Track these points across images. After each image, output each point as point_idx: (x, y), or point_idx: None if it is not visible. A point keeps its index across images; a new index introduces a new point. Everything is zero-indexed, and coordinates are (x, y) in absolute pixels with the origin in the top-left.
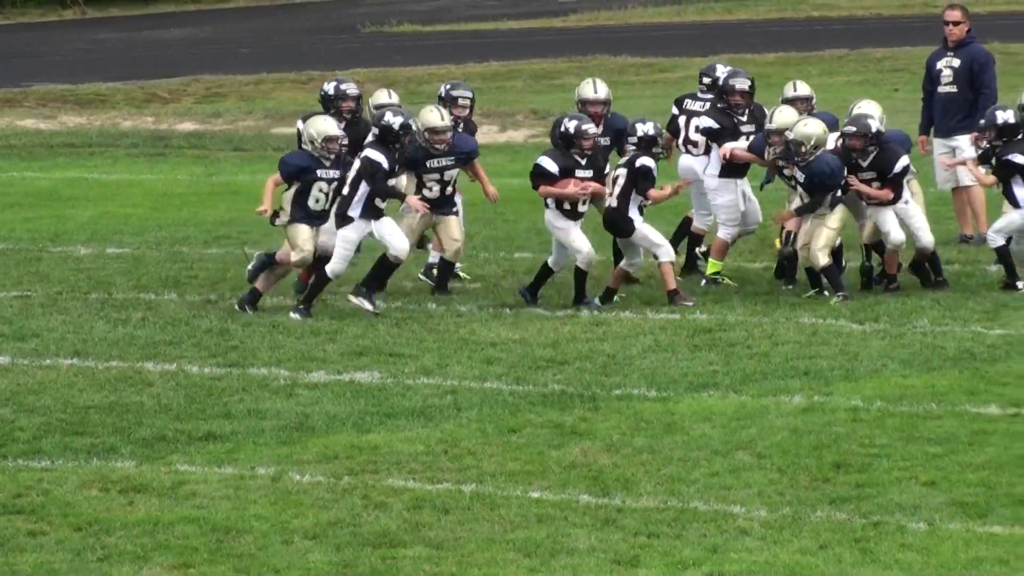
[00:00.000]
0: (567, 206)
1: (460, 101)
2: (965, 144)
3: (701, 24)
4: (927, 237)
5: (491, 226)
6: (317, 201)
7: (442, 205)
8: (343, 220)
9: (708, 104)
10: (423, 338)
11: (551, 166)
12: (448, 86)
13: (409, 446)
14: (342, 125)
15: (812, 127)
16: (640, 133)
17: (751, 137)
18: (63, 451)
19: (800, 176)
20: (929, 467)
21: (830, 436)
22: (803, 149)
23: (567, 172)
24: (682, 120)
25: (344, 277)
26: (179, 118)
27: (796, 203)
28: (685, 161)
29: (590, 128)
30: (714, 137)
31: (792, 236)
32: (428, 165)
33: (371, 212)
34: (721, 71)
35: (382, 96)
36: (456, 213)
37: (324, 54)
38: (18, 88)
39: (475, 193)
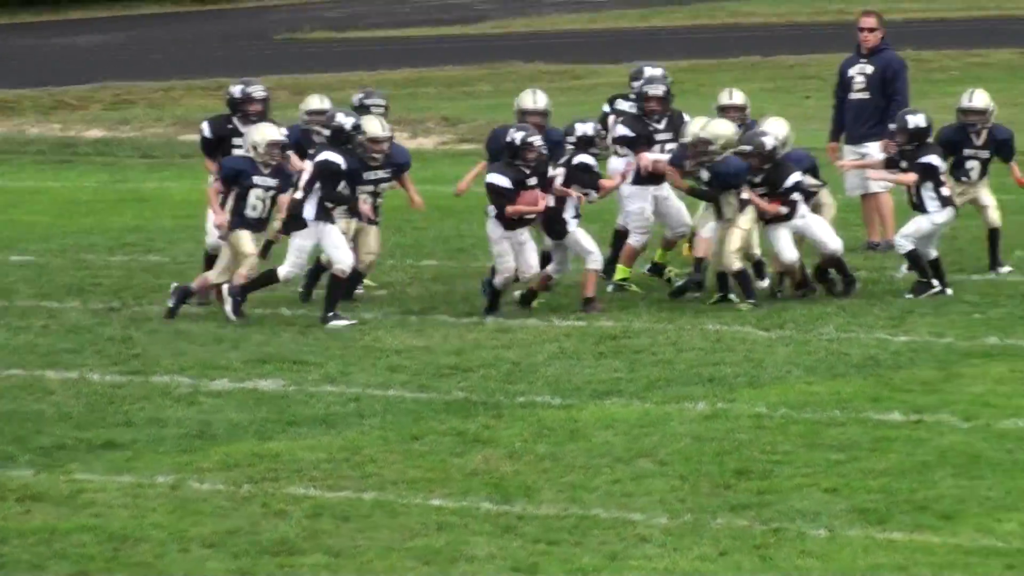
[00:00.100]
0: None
1: (373, 110)
2: (875, 151)
3: (614, 31)
4: (834, 243)
5: (399, 233)
6: (254, 208)
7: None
8: (296, 223)
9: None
10: (327, 345)
11: (504, 182)
12: (361, 95)
13: (311, 454)
14: (247, 129)
15: (724, 127)
16: (579, 133)
17: (667, 145)
18: None
19: (704, 175)
20: (831, 474)
21: (733, 443)
22: (711, 148)
23: (518, 184)
24: (611, 120)
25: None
26: (87, 125)
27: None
28: (613, 163)
29: (536, 139)
30: (629, 145)
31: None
32: (364, 177)
33: (324, 215)
34: (649, 72)
35: (314, 102)
36: (378, 224)
37: (235, 61)
38: None
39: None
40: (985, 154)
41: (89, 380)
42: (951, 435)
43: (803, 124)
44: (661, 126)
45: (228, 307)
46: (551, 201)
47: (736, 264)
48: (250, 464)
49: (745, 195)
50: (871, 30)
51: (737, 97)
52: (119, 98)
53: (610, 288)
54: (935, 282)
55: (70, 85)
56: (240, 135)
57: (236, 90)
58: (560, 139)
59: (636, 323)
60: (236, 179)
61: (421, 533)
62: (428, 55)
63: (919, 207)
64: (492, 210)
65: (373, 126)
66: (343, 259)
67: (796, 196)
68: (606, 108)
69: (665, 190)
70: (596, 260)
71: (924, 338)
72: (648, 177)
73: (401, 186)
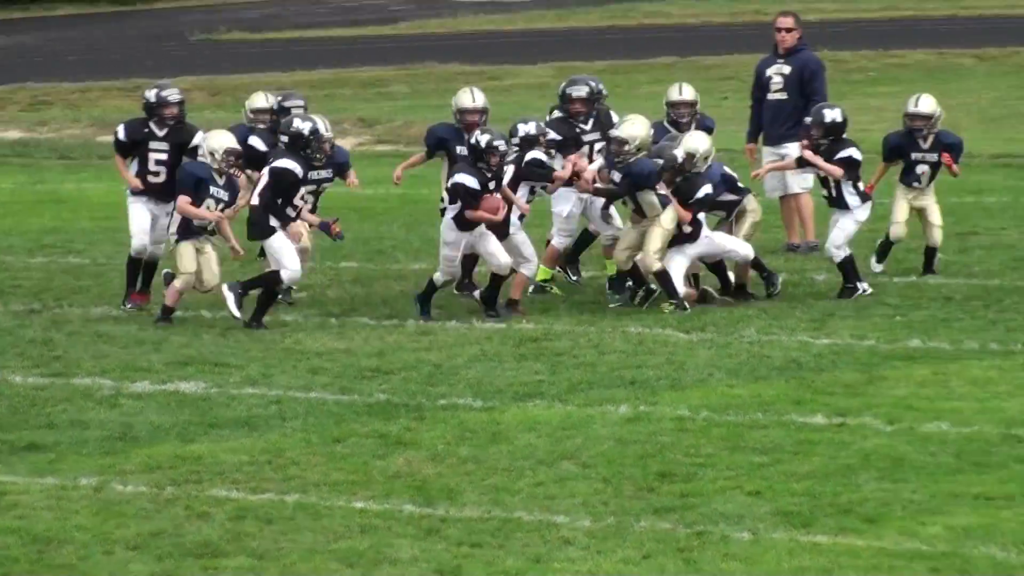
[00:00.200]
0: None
1: (293, 111)
2: (794, 152)
3: (531, 32)
4: (743, 249)
5: (318, 236)
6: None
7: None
8: (263, 232)
9: None
10: (248, 348)
11: (473, 183)
12: (280, 97)
13: (233, 456)
14: (164, 132)
15: (638, 128)
16: (522, 133)
17: (596, 145)
18: None
19: (616, 176)
20: (754, 477)
21: (655, 446)
22: (625, 148)
23: (483, 187)
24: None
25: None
26: (4, 126)
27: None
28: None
29: (501, 144)
30: (557, 148)
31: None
32: (308, 177)
33: (285, 220)
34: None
35: (259, 100)
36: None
37: (152, 62)
38: None
39: None
40: (933, 158)
41: (11, 382)
42: (874, 438)
43: (722, 125)
44: (588, 127)
45: (231, 303)
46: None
47: (656, 264)
48: (172, 466)
49: (663, 191)
50: (788, 30)
51: (687, 92)
52: (36, 99)
53: (530, 289)
54: (861, 285)
55: None
56: (156, 139)
57: (151, 94)
58: None
59: (557, 325)
60: (196, 186)
61: (344, 535)
62: (344, 56)
63: (837, 203)
64: (451, 210)
65: (318, 126)
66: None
67: (701, 216)
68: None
69: None
70: (530, 268)
71: (846, 341)
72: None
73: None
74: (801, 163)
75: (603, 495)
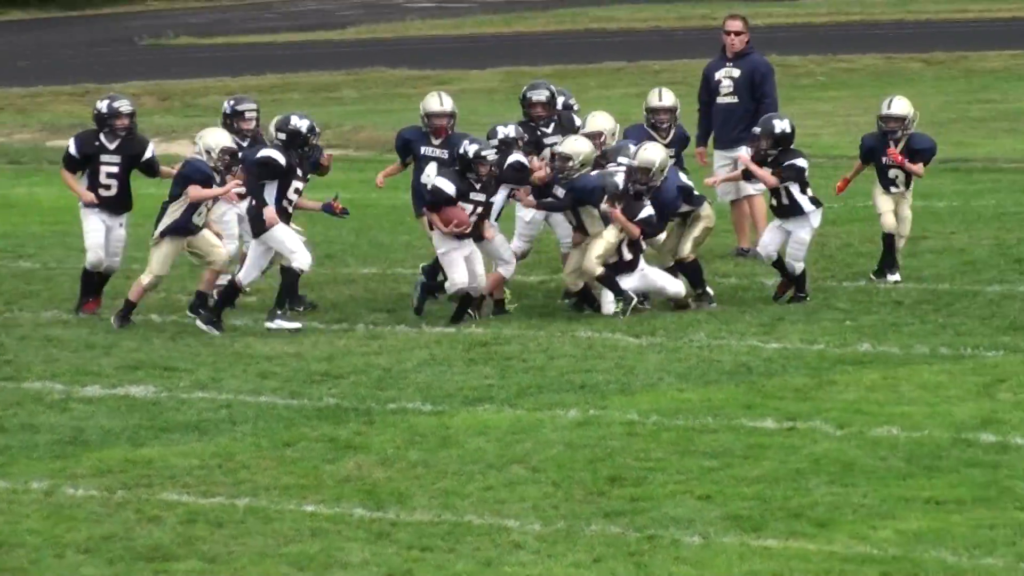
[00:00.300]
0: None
1: (247, 115)
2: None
3: (479, 36)
4: (674, 288)
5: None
6: (199, 215)
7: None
8: (257, 225)
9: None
10: (198, 352)
11: (449, 188)
12: (232, 101)
13: (183, 460)
14: (115, 145)
15: (583, 144)
16: (500, 136)
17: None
18: None
19: (560, 191)
20: (704, 481)
21: (605, 450)
22: (569, 164)
23: (462, 195)
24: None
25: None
26: None
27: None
28: None
29: (490, 154)
30: (509, 149)
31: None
32: (296, 172)
33: (283, 216)
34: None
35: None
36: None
37: (101, 67)
38: None
39: None
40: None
41: None
42: (824, 442)
43: None
44: (549, 130)
45: (201, 324)
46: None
47: (598, 269)
48: (123, 470)
49: (605, 207)
50: (737, 33)
51: (667, 98)
52: None
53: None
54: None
55: None
56: (107, 152)
57: (102, 105)
58: None
59: (506, 330)
60: (204, 184)
61: (295, 539)
62: (293, 61)
63: (791, 210)
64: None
65: (314, 125)
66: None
67: (643, 243)
68: None
69: None
70: (508, 270)
71: (796, 345)
72: (545, 189)
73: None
74: (748, 175)
75: (553, 499)
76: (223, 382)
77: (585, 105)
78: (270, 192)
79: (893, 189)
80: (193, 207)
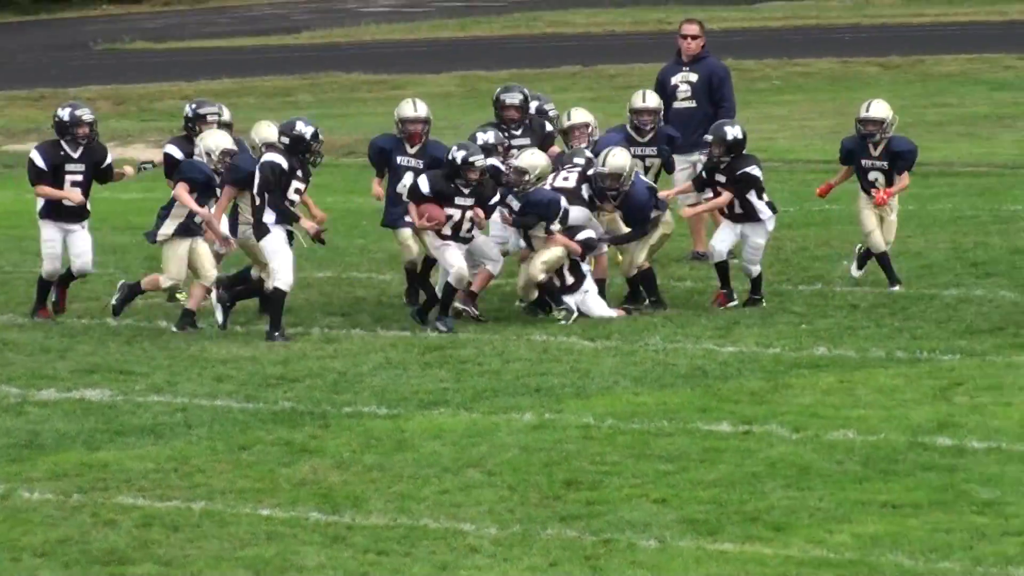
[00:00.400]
0: (446, 231)
1: (209, 119)
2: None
3: (434, 41)
4: (606, 313)
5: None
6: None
7: None
8: (260, 230)
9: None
10: (154, 355)
11: (425, 187)
12: (194, 105)
13: (139, 463)
14: (79, 153)
15: (538, 158)
16: (480, 141)
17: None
18: None
19: (515, 204)
20: (660, 484)
21: (561, 453)
22: (525, 178)
23: (442, 196)
24: None
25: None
26: None
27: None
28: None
29: (478, 159)
30: (488, 155)
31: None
32: (298, 174)
33: (285, 217)
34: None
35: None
36: None
37: (56, 71)
38: None
39: None
40: (882, 165)
41: None
42: (780, 446)
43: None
44: (518, 133)
45: (269, 338)
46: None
47: (541, 276)
48: (79, 474)
49: (555, 228)
50: (694, 37)
51: (651, 100)
52: None
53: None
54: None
55: None
56: (72, 160)
57: (64, 113)
58: (443, 154)
59: (462, 333)
60: (206, 186)
61: (251, 543)
62: (248, 65)
63: (744, 217)
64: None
65: (271, 132)
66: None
67: (585, 268)
68: None
69: None
70: (496, 268)
71: (751, 349)
72: None
73: None
74: (699, 185)
75: (509, 503)
76: (179, 386)
77: None
78: (244, 199)
79: (874, 192)
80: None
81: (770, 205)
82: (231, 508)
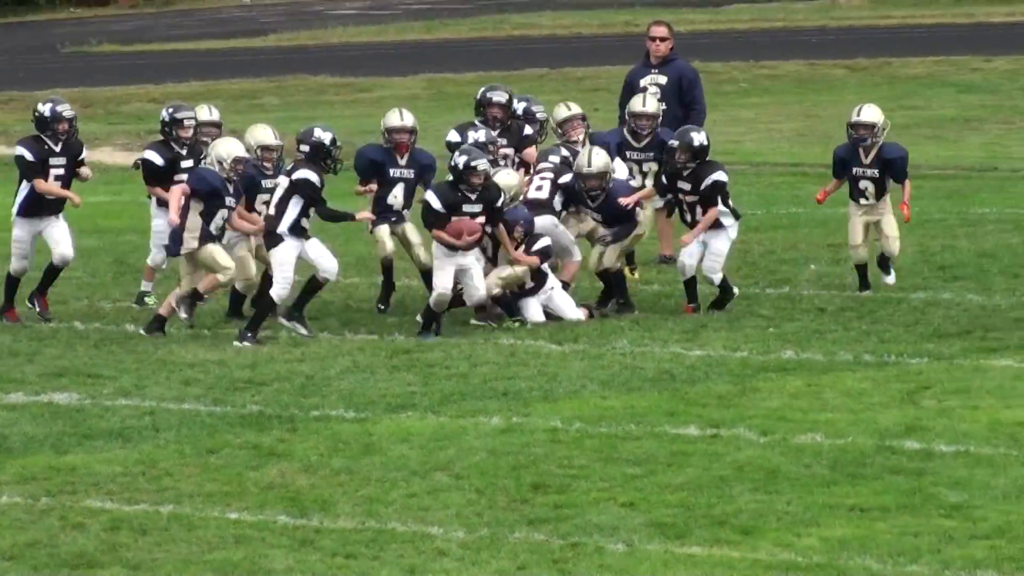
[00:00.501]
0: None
1: (186, 123)
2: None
3: (401, 43)
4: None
5: None
6: (216, 227)
7: None
8: (272, 239)
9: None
10: (121, 359)
11: (435, 203)
12: (171, 109)
13: (107, 467)
14: (61, 146)
15: (510, 178)
16: (471, 141)
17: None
18: None
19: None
20: (628, 488)
21: (528, 457)
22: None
23: (453, 208)
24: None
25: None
26: None
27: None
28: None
29: (481, 163)
30: (453, 150)
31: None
32: (264, 185)
33: (299, 232)
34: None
35: (203, 113)
36: None
37: (24, 74)
38: None
39: None
40: (873, 173)
41: None
42: (748, 449)
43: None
44: (496, 134)
45: (238, 342)
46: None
47: (496, 290)
48: (47, 477)
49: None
50: (663, 39)
51: (651, 105)
52: None
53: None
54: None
55: None
56: (55, 155)
57: (45, 109)
58: (431, 163)
59: (429, 337)
60: (212, 195)
61: (219, 546)
62: (215, 68)
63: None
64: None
65: (265, 135)
66: (328, 266)
67: (546, 268)
68: None
69: None
70: (578, 255)
71: (719, 352)
72: None
73: None
74: (661, 190)
75: (477, 506)
76: (147, 389)
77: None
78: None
79: (863, 201)
80: (209, 216)
81: (733, 211)
82: (199, 512)
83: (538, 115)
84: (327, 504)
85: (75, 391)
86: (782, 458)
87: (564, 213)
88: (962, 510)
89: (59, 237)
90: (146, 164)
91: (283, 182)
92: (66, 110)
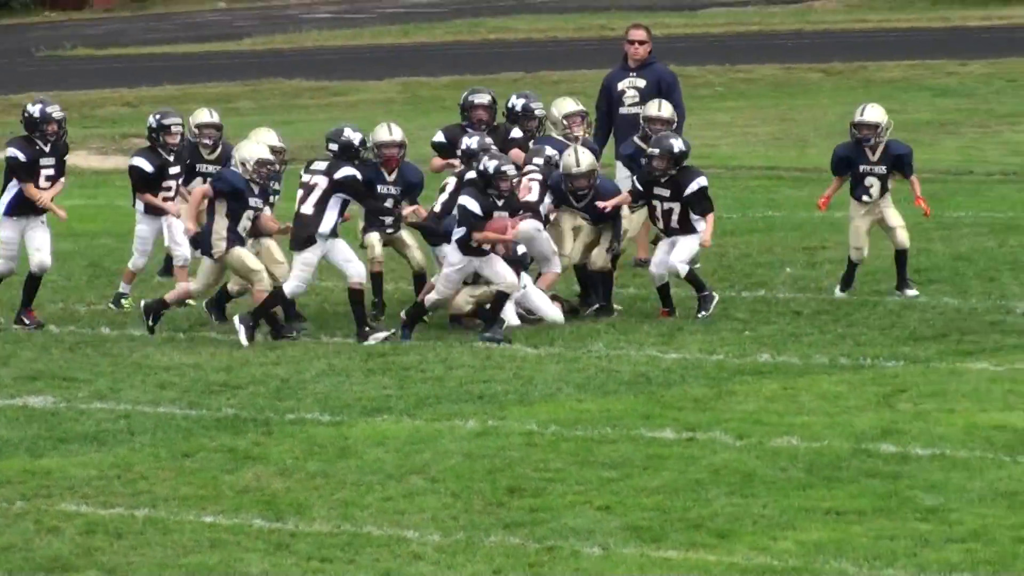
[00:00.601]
0: (483, 245)
1: (173, 129)
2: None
3: (376, 47)
4: (553, 314)
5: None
6: (244, 229)
7: None
8: (306, 242)
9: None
10: (97, 362)
11: (475, 207)
12: (158, 115)
13: (82, 471)
14: (50, 146)
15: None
16: (464, 147)
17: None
18: None
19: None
20: (604, 491)
21: (504, 460)
22: None
23: (488, 212)
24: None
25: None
26: None
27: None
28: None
29: (509, 169)
30: (439, 152)
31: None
32: (272, 188)
33: (334, 233)
34: (515, 101)
35: (203, 115)
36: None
37: None
38: None
39: None
40: (881, 170)
41: None
42: (724, 453)
43: None
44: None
45: (242, 335)
46: (437, 207)
47: (467, 307)
48: (22, 481)
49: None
50: (641, 43)
51: (665, 110)
52: None
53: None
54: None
55: None
56: (45, 155)
57: (35, 109)
58: (419, 180)
59: (405, 340)
60: (235, 197)
61: (194, 550)
62: (190, 72)
63: (680, 231)
64: (457, 232)
65: (270, 137)
66: (358, 271)
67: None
68: None
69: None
70: (557, 265)
71: (695, 355)
72: None
73: None
74: (636, 196)
75: (452, 510)
76: (122, 392)
77: None
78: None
79: (866, 199)
80: (234, 218)
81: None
82: (174, 515)
83: (536, 112)
84: (303, 508)
85: (50, 394)
86: (758, 461)
87: (555, 210)
88: (938, 513)
89: (40, 243)
90: (136, 171)
91: (321, 182)
92: (55, 111)
